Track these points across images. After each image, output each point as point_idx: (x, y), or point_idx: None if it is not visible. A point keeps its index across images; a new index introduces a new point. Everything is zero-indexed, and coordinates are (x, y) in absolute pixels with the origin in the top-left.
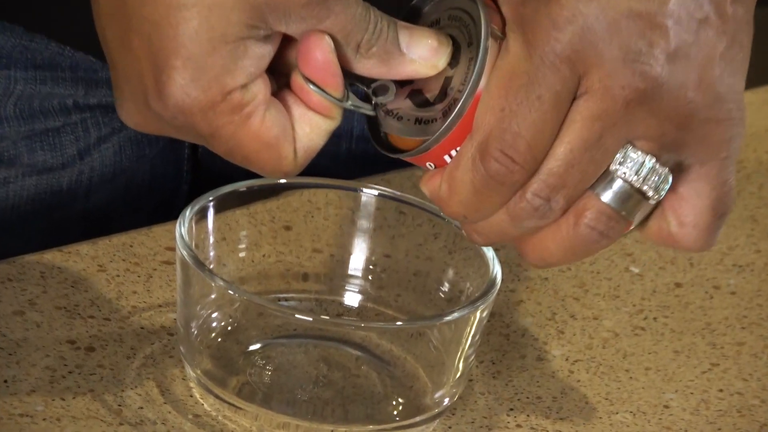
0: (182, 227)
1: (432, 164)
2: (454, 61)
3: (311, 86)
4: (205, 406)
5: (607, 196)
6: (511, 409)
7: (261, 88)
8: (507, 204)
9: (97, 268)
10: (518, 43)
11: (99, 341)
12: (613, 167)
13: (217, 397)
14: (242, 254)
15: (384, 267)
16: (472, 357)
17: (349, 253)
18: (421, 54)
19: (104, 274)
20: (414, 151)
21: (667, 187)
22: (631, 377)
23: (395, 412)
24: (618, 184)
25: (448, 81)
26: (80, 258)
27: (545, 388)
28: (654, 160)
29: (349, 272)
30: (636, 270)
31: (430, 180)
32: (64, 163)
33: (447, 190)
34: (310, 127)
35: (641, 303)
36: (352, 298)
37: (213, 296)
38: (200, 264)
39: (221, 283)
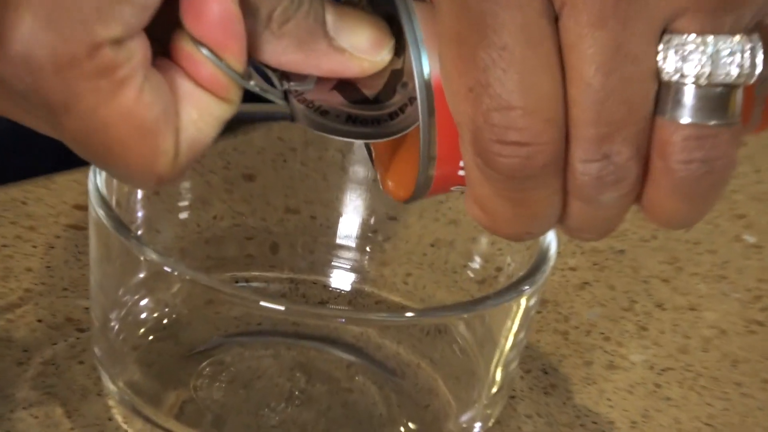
0: (97, 176)
1: (457, 187)
2: (400, 48)
3: (204, 51)
4: None
5: (683, 115)
6: None
7: (140, 48)
8: (566, 190)
9: None
10: None
11: None
12: (665, 75)
13: (147, 420)
14: (183, 215)
15: (388, 234)
16: (515, 364)
17: (338, 214)
18: (355, 44)
19: None
20: (418, 191)
21: (759, 51)
22: (743, 393)
23: None
24: (686, 91)
25: (396, 75)
26: None
27: (620, 409)
28: (711, 36)
29: (338, 241)
30: (751, 239)
31: (466, 206)
32: None
33: (482, 215)
34: (199, 111)
35: (758, 287)
36: (341, 279)
37: (142, 275)
38: (124, 229)
39: (154, 256)
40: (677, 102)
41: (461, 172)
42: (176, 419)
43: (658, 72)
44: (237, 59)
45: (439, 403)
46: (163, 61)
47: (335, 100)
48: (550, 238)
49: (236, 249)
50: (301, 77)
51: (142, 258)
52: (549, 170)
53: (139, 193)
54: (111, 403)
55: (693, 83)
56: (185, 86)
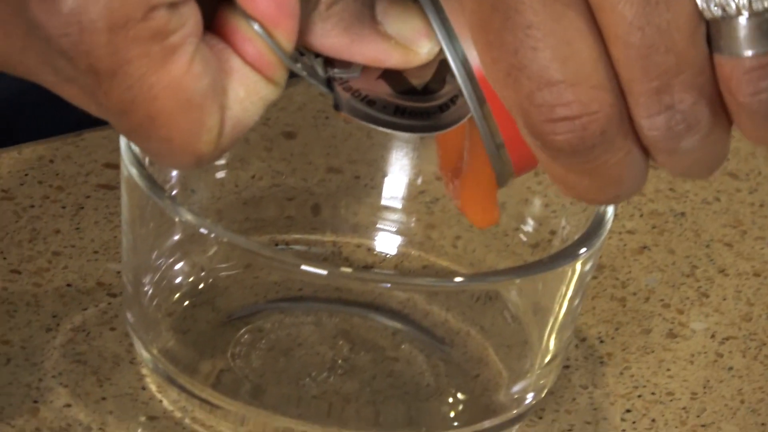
0: None
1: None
2: None
3: (255, 26)
4: (165, 403)
5: (739, 48)
6: (628, 411)
7: (193, 16)
8: (644, 146)
9: (1, 195)
10: None
11: (4, 305)
12: (707, 13)
13: (182, 389)
14: (220, 175)
15: (436, 195)
16: (569, 332)
17: (383, 174)
18: (403, 33)
19: (11, 203)
20: (502, 180)
21: None
22: None
23: (452, 414)
24: (735, 24)
25: (445, 65)
26: None
27: (680, 379)
28: None
29: (383, 203)
30: None
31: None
32: None
33: (567, 189)
34: (246, 90)
35: None
36: (387, 242)
37: (176, 238)
38: (157, 189)
39: (189, 217)
40: (729, 37)
41: None
42: (213, 388)
43: (700, 12)
44: (288, 38)
45: (489, 372)
46: (209, 36)
47: (381, 89)
48: None
49: (276, 210)
50: (345, 64)
51: (176, 219)
52: (610, 135)
53: None
54: (144, 371)
55: (739, 15)
56: (233, 62)
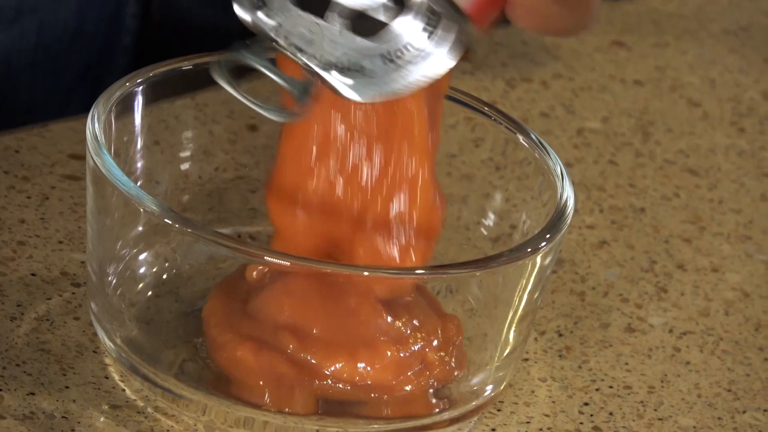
0: (95, 124)
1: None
2: None
3: None
4: (128, 392)
5: None
6: (586, 404)
7: None
8: None
9: None
10: None
11: None
12: None
13: (146, 379)
14: (185, 167)
15: None
16: (529, 326)
17: None
18: None
19: None
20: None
21: None
22: (766, 358)
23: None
24: None
25: None
26: None
27: (638, 373)
28: None
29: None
30: None
31: (515, 18)
32: None
33: (535, 18)
34: None
35: None
36: None
37: (141, 228)
38: (122, 179)
39: (153, 208)
40: None
41: None
42: (176, 378)
43: None
44: None
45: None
46: None
47: (353, 45)
48: (569, 195)
49: (239, 202)
50: (304, 35)
51: (141, 210)
52: None
53: (139, 143)
54: (107, 360)
55: None
56: None
